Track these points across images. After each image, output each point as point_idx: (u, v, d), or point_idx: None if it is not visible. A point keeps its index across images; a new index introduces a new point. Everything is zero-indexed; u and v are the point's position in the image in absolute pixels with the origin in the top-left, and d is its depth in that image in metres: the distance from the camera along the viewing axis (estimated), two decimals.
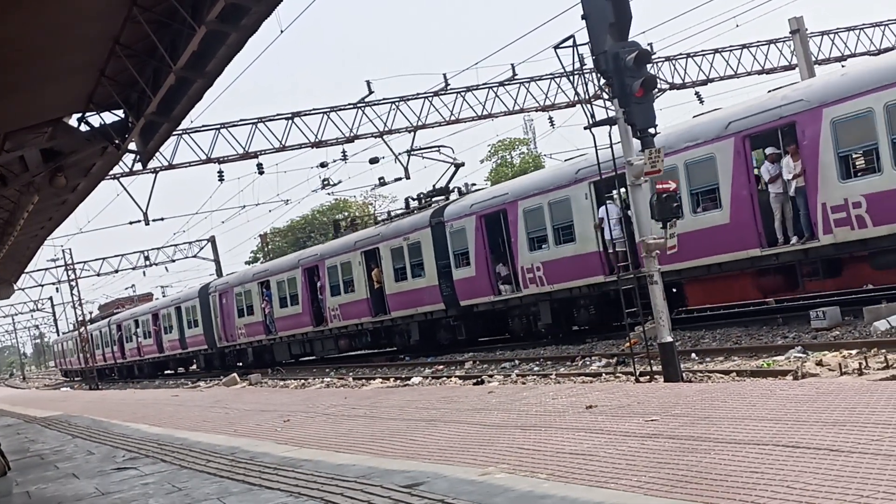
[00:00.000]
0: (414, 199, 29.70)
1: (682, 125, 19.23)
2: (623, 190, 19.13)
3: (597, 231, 20.03)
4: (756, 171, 17.15)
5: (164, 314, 46.89)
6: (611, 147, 12.73)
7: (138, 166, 28.77)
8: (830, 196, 15.49)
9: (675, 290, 19.45)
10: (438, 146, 31.03)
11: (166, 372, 51.82)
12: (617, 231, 19.50)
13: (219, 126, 30.54)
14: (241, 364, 39.63)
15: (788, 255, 16.52)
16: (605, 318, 21.49)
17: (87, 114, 12.64)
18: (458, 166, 29.91)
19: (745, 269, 17.61)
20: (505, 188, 24.62)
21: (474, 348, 25.68)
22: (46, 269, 59.79)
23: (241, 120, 30.75)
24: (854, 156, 15.67)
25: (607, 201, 20.24)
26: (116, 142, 12.94)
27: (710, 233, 17.44)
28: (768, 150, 16.96)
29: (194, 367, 47.15)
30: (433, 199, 28.63)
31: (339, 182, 39.06)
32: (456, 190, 28.49)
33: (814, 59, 33.41)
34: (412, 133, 32.58)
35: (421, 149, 31.44)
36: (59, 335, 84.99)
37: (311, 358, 36.07)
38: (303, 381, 27.23)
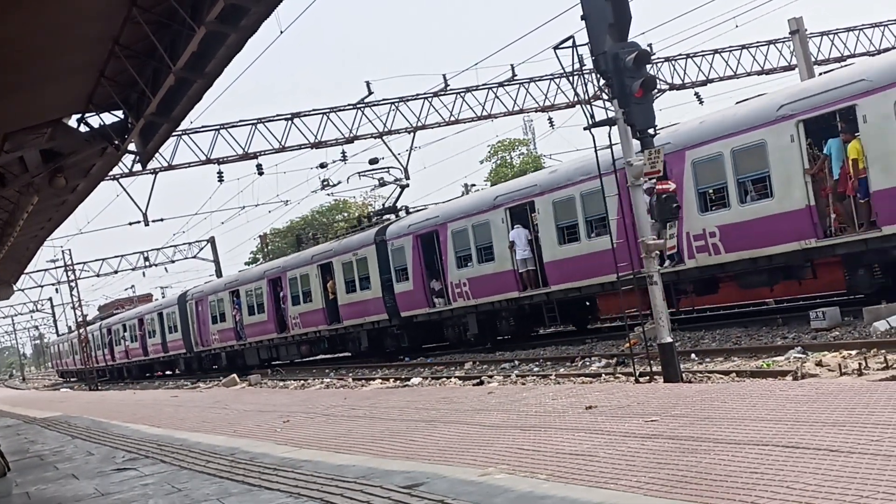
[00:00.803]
0: (365, 218, 32.71)
1: (569, 164, 22.74)
2: (534, 216, 22.14)
3: (511, 252, 22.63)
4: None
5: (149, 319, 49.52)
6: (610, 149, 12.73)
7: (138, 167, 28.83)
8: (692, 226, 18.01)
9: (587, 303, 23.34)
10: (388, 167, 34.11)
11: (157, 374, 53.61)
12: (527, 252, 22.29)
13: (218, 127, 30.57)
14: (216, 367, 42.16)
15: (665, 276, 17.28)
16: (522, 329, 24.55)
17: (87, 114, 12.63)
18: (403, 187, 33.34)
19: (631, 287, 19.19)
20: (437, 211, 27.15)
21: (473, 349, 25.75)
22: (46, 270, 59.97)
23: (241, 121, 30.78)
24: (710, 192, 17.97)
25: (517, 226, 22.67)
26: (116, 142, 12.94)
27: (594, 258, 19.90)
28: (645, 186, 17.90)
29: (176, 370, 49.67)
30: (383, 218, 31.28)
31: (339, 183, 39.23)
32: (404, 209, 31.33)
33: (813, 59, 33.43)
34: (412, 134, 32.60)
35: (372, 169, 34.18)
36: (58, 335, 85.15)
37: (312, 359, 36.88)
38: (302, 381, 27.23)
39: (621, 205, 16.32)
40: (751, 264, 17.46)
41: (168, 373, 51.41)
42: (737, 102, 18.75)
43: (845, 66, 17.91)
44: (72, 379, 69.14)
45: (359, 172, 34.01)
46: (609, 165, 16.28)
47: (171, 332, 45.94)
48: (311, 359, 35.27)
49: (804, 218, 16.08)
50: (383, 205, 32.37)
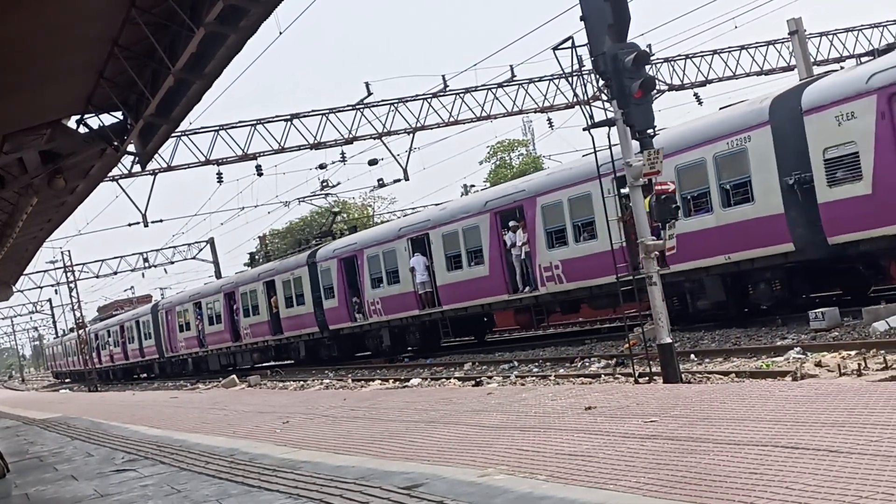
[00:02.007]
0: (304, 241, 36.51)
1: (456, 202, 27.69)
2: (429, 246, 25.93)
3: (412, 276, 26.35)
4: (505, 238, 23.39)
5: (128, 326, 53.67)
6: (613, 149, 12.74)
7: (137, 168, 28.83)
8: (543, 259, 21.99)
9: (485, 318, 27.59)
10: (326, 193, 38.12)
11: (138, 377, 56.73)
12: (425, 276, 26.05)
13: (218, 128, 30.53)
14: (184, 371, 46.91)
15: (527, 300, 23.19)
16: (426, 342, 28.29)
17: (86, 115, 12.63)
18: (335, 213, 38.95)
19: (505, 308, 24.63)
20: (355, 238, 31.43)
21: (472, 350, 25.85)
22: (45, 271, 59.84)
23: (240, 121, 30.74)
24: (554, 232, 21.69)
25: (416, 253, 26.36)
26: (115, 143, 12.93)
27: (474, 283, 24.44)
28: (511, 224, 23.11)
29: (152, 374, 53.73)
30: (322, 240, 35.40)
31: (338, 184, 39.27)
32: (340, 232, 36.14)
33: (812, 59, 33.44)
34: (411, 134, 32.59)
35: (313, 194, 38.85)
36: (56, 337, 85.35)
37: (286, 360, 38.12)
38: (302, 382, 27.23)
39: (491, 240, 22.93)
40: (586, 291, 21.35)
41: (143, 375, 55.12)
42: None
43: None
44: (66, 380, 71.91)
45: (299, 198, 39.11)
46: (481, 205, 22.99)
47: (147, 339, 50.02)
48: (297, 359, 37.09)
49: (618, 256, 17.69)
50: (320, 229, 37.51)
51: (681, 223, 16.85)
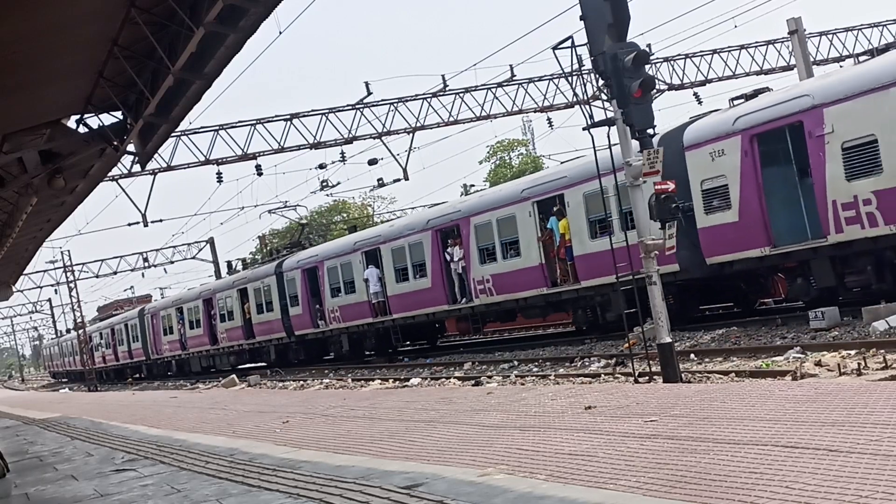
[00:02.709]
0: (276, 251, 39.38)
1: (402, 220, 31.10)
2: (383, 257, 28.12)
3: (366, 286, 28.73)
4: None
5: (118, 329, 55.87)
6: (611, 150, 12.74)
7: (137, 168, 28.81)
8: (476, 274, 24.27)
9: (437, 325, 29.98)
10: (295, 205, 41.01)
11: (127, 379, 57.66)
12: (378, 287, 28.36)
13: (217, 127, 30.52)
14: (170, 373, 49.39)
15: (465, 310, 25.56)
16: (381, 346, 30.66)
17: (86, 115, 12.64)
18: (303, 226, 41.46)
19: (447, 317, 27.58)
20: (316, 251, 33.74)
21: (472, 350, 25.86)
22: (45, 271, 59.86)
23: (240, 121, 30.73)
24: (485, 249, 23.97)
25: (370, 266, 28.74)
26: (115, 143, 12.94)
27: (419, 293, 26.58)
28: (449, 241, 25.41)
29: (140, 374, 56.14)
30: (292, 250, 37.35)
31: (338, 183, 39.27)
32: (307, 241, 39.14)
33: (812, 59, 33.44)
34: (411, 134, 32.58)
35: (281, 207, 41.14)
36: (56, 337, 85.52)
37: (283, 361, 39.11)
38: (301, 382, 27.24)
39: (433, 255, 25.53)
40: (513, 303, 23.66)
41: (137, 376, 56.40)
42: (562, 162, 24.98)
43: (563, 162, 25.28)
44: (63, 380, 74.14)
45: (269, 210, 40.91)
46: (424, 223, 25.53)
47: (135, 342, 52.30)
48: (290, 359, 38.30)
49: (539, 272, 22.20)
50: (290, 239, 39.78)
51: (591, 243, 20.56)
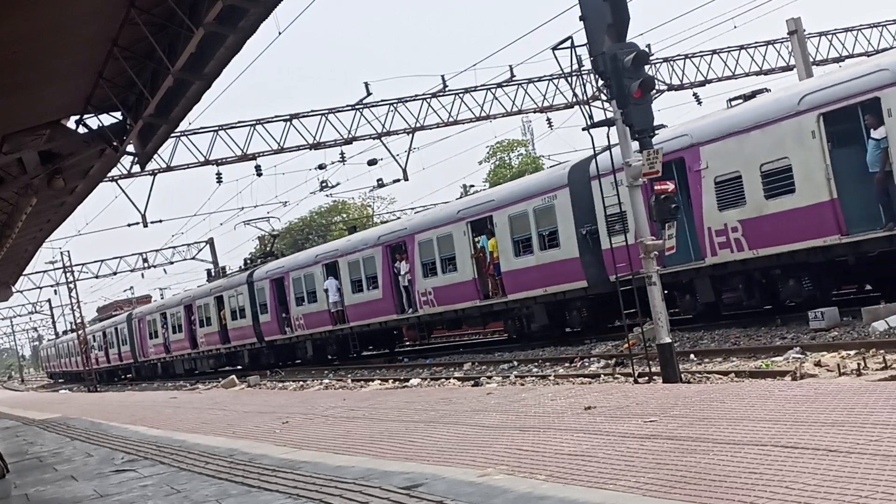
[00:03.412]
0: (250, 261, 42.36)
1: (357, 236, 32.73)
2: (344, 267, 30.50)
3: (326, 296, 31.10)
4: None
5: (109, 332, 58.30)
6: (611, 148, 12.74)
7: (136, 168, 28.81)
8: (420, 286, 26.41)
9: (396, 332, 31.93)
10: (269, 217, 43.81)
11: (119, 380, 60.14)
12: (337, 297, 30.61)
13: (217, 128, 30.52)
14: (154, 374, 51.56)
15: (411, 319, 27.88)
16: (342, 352, 32.91)
17: (86, 116, 12.64)
18: (274, 237, 45.24)
19: (397, 325, 29.78)
20: (283, 262, 36.45)
21: (471, 350, 25.91)
22: (45, 272, 59.81)
23: (240, 122, 30.73)
24: (428, 264, 26.06)
25: (330, 277, 31.04)
26: (115, 144, 12.94)
27: (373, 304, 29.14)
28: (397, 255, 27.66)
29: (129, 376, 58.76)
30: (265, 259, 40.23)
31: (338, 184, 39.28)
32: (279, 252, 43.95)
33: (812, 59, 33.44)
34: (410, 134, 32.58)
35: (256, 218, 44.55)
36: (54, 338, 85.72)
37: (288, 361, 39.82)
38: (301, 382, 27.24)
39: (383, 268, 28.07)
40: (452, 313, 26.00)
41: (127, 377, 58.81)
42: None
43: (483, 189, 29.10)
44: (60, 380, 76.84)
45: (244, 221, 43.62)
46: (375, 239, 29.03)
47: (124, 345, 54.77)
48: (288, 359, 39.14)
49: (473, 286, 24.69)
50: (265, 248, 43.29)
51: (515, 260, 22.97)
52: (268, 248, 43.20)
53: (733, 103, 18.57)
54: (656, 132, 12.09)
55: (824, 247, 16.04)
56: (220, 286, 40.62)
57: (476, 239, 24.61)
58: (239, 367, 39.20)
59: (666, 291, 18.99)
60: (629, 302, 13.33)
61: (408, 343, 34.22)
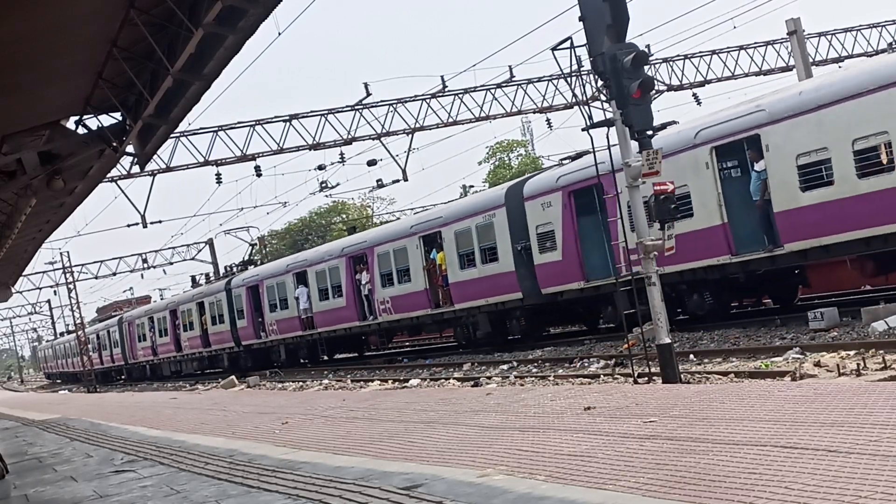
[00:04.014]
0: (229, 268, 44.88)
1: (323, 247, 35.84)
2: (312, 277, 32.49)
3: (297, 303, 33.16)
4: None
5: (102, 335, 60.21)
6: (613, 151, 12.74)
7: (136, 169, 28.80)
8: (379, 296, 28.48)
9: (364, 337, 34.14)
10: (248, 226, 47.78)
11: (114, 381, 61.16)
12: (307, 304, 32.58)
13: (216, 128, 30.50)
14: (143, 376, 53.46)
15: (372, 327, 30.15)
16: (311, 356, 35.24)
17: (85, 116, 12.63)
18: (252, 245, 47.91)
19: (360, 332, 31.75)
20: (257, 271, 38.75)
21: (471, 351, 25.92)
22: (44, 272, 59.77)
23: (239, 122, 30.71)
24: (385, 275, 28.13)
25: (300, 285, 32.99)
26: (114, 144, 12.93)
27: (338, 311, 31.11)
28: (359, 266, 29.79)
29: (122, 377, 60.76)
30: (245, 268, 42.49)
31: (338, 184, 39.29)
32: (258, 261, 45.67)
33: (811, 60, 33.44)
34: (410, 135, 32.58)
35: (234, 228, 48.34)
36: (54, 338, 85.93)
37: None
38: (301, 383, 27.23)
39: (347, 278, 29.99)
40: (407, 321, 28.19)
41: (121, 378, 60.35)
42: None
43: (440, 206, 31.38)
44: (58, 381, 79.18)
45: (225, 231, 46.80)
46: (339, 251, 31.32)
47: (116, 347, 56.85)
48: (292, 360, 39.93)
49: (424, 296, 26.51)
50: (242, 258, 45.60)
51: (460, 273, 24.95)
52: (247, 257, 45.92)
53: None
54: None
55: (718, 265, 17.90)
56: (202, 292, 43.08)
57: (428, 252, 26.53)
58: (220, 370, 41.58)
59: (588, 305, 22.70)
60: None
61: (373, 348, 36.04)
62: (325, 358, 35.10)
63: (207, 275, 50.50)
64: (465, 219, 24.80)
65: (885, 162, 14.77)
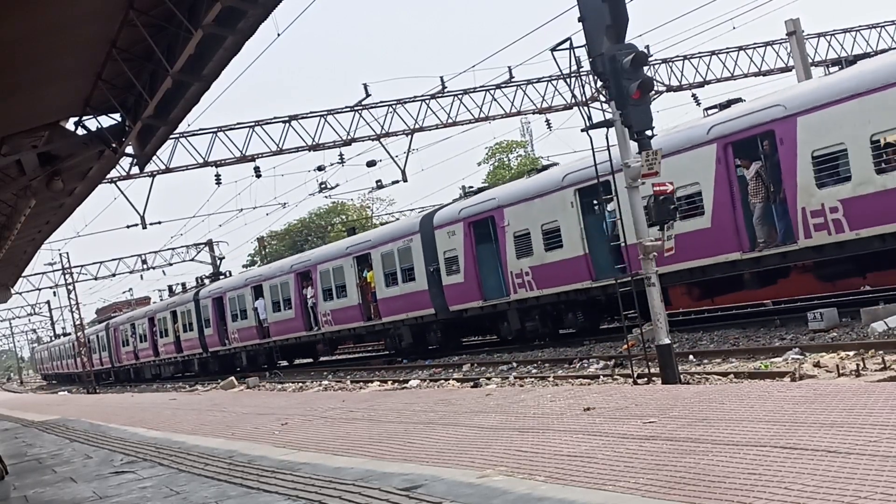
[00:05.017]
0: (202, 278, 49.06)
1: (276, 264, 39.37)
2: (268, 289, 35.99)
3: (256, 314, 36.66)
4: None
5: (92, 339, 62.50)
6: (605, 151, 12.74)
7: (135, 170, 28.77)
8: (322, 309, 31.98)
9: (318, 344, 36.46)
10: (218, 241, 52.66)
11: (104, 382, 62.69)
12: (265, 314, 35.98)
13: (216, 129, 30.49)
14: (132, 379, 56.23)
15: (318, 336, 33.68)
16: (268, 362, 38.39)
17: (84, 117, 12.62)
18: (220, 259, 54.02)
19: (309, 340, 35.01)
20: (221, 284, 42.82)
21: (470, 352, 25.96)
22: (44, 273, 59.77)
23: (238, 123, 30.71)
24: (326, 290, 31.41)
25: (259, 297, 36.42)
26: (113, 145, 12.93)
27: (288, 322, 34.52)
28: (305, 282, 33.05)
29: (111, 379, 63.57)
30: (216, 279, 46.82)
31: (337, 185, 39.31)
32: (228, 272, 50.02)
33: (810, 60, 33.43)
34: (409, 136, 32.57)
35: (211, 241, 53.89)
36: (52, 339, 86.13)
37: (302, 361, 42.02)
38: (300, 384, 27.22)
39: (295, 293, 33.48)
40: (345, 332, 32.06)
41: (111, 380, 62.74)
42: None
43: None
44: (53, 381, 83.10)
45: (208, 242, 50.74)
46: (288, 268, 35.03)
47: (103, 351, 60.04)
48: (305, 361, 41.11)
49: (358, 310, 29.99)
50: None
51: (386, 290, 28.01)
52: (215, 272, 50.77)
53: (530, 175, 24.01)
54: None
55: (583, 289, 21.10)
56: (175, 302, 47.07)
57: (361, 271, 29.93)
58: (191, 373, 46.12)
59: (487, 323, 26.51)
60: (628, 306, 13.33)
61: (321, 356, 39.72)
62: (283, 364, 39.12)
63: (184, 284, 53.43)
64: (389, 242, 28.37)
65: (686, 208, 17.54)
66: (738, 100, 19.03)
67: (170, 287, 54.67)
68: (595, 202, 20.46)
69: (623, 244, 14.74)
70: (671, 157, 16.85)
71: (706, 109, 19.77)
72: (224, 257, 54.10)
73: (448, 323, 26.64)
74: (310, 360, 39.42)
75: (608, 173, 17.20)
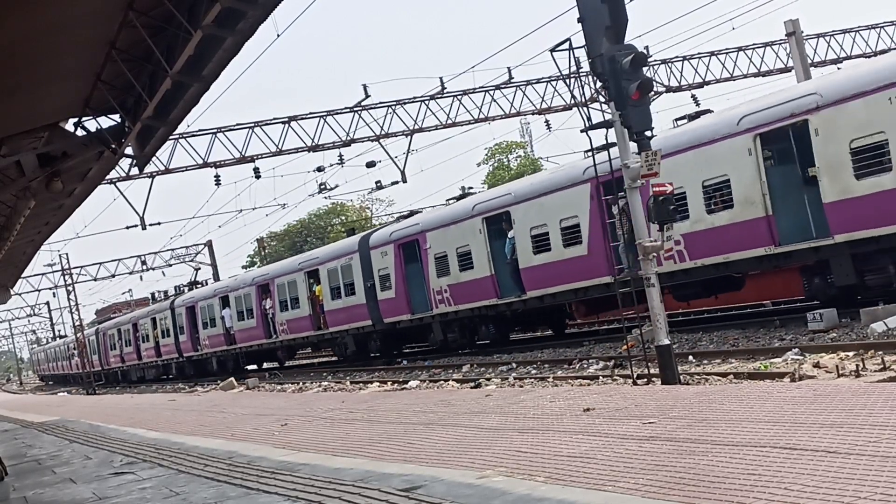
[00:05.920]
0: (178, 288, 52.38)
1: (239, 277, 43.27)
2: (234, 298, 39.06)
3: (223, 322, 39.61)
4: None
5: (86, 342, 63.79)
6: (610, 153, 12.73)
7: (135, 171, 28.77)
8: (279, 318, 34.89)
9: (279, 351, 40.11)
10: (196, 253, 55.05)
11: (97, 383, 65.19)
12: (231, 322, 38.89)
13: (215, 130, 30.51)
14: (121, 381, 58.52)
15: (276, 344, 36.96)
16: (236, 367, 40.86)
17: (84, 118, 12.62)
18: (197, 269, 57.56)
19: (269, 348, 38.41)
20: (193, 294, 46.07)
21: (470, 353, 25.93)
22: (43, 274, 59.81)
23: (238, 124, 30.73)
24: (283, 301, 34.49)
25: (226, 307, 39.38)
26: (113, 146, 12.92)
27: (251, 330, 37.54)
28: (264, 294, 35.77)
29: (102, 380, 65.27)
30: (192, 287, 50.36)
31: (336, 186, 39.34)
32: (205, 281, 53.53)
33: (810, 61, 33.45)
34: (409, 137, 32.58)
35: (189, 248, 57.79)
36: (50, 340, 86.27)
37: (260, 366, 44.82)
38: (300, 385, 27.21)
39: (256, 304, 36.36)
40: (299, 340, 35.41)
41: (101, 381, 63.29)
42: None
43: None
44: (50, 382, 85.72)
45: (195, 249, 53.97)
46: (250, 281, 38.69)
47: (94, 354, 61.69)
48: (300, 362, 43.35)
49: (309, 320, 32.62)
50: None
51: (332, 303, 30.98)
52: (193, 280, 54.16)
53: (448, 201, 27.88)
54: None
55: (491, 305, 24.11)
56: (155, 310, 50.06)
57: (311, 285, 32.45)
58: (172, 375, 49.14)
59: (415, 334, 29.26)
60: (626, 303, 13.33)
61: (283, 361, 42.79)
62: (249, 368, 42.27)
63: (165, 291, 56.12)
64: (334, 260, 31.12)
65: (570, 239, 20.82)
66: (708, 111, 20.17)
67: (152, 294, 57.55)
68: (497, 228, 23.42)
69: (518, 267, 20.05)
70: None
71: (675, 120, 20.49)
72: (200, 267, 58.14)
73: (385, 333, 29.50)
74: (276, 365, 41.83)
75: (509, 204, 21.35)
